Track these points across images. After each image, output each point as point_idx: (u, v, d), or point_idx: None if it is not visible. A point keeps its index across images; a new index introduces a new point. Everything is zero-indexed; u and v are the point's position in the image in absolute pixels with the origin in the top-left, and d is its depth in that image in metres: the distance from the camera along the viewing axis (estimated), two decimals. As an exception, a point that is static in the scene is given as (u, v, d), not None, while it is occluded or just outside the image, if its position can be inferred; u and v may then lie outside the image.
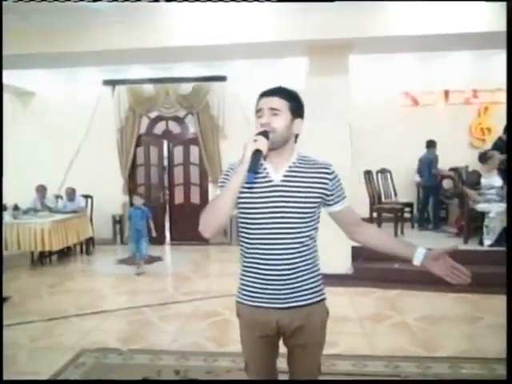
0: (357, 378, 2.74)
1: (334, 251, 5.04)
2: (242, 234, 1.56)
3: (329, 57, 4.98)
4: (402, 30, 4.73)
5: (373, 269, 5.04)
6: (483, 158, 5.58)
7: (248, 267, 1.55)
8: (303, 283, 1.53)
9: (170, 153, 7.91)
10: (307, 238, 1.52)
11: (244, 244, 1.56)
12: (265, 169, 1.51)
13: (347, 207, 1.61)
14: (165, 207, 7.97)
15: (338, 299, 4.49)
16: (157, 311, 4.15)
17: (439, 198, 6.67)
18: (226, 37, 4.88)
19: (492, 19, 4.60)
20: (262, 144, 1.41)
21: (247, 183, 1.42)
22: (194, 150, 7.77)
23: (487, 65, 6.86)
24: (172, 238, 7.84)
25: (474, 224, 5.53)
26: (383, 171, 6.94)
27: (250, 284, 1.54)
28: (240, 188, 1.42)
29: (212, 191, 7.70)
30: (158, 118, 7.78)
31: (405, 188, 7.28)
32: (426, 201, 6.77)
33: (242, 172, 1.40)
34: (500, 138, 6.26)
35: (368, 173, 6.50)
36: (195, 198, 7.88)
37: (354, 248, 5.16)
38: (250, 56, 5.85)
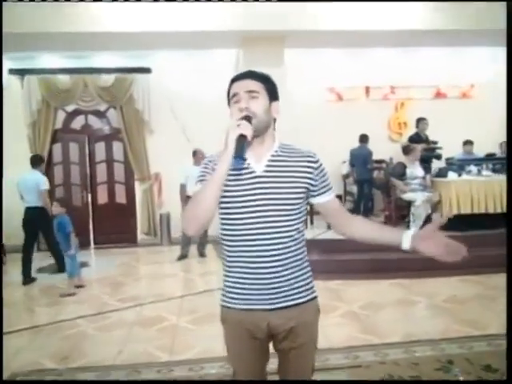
0: (320, 373, 2.71)
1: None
2: (225, 232, 1.44)
3: (264, 49, 4.94)
4: (331, 25, 4.85)
5: (312, 261, 5.09)
6: (406, 150, 5.92)
7: (233, 267, 1.43)
8: (294, 281, 1.43)
9: (91, 149, 7.34)
10: (295, 232, 1.42)
11: (227, 242, 1.44)
12: (245, 159, 1.39)
13: (333, 199, 1.53)
14: (87, 208, 7.38)
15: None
16: (93, 322, 3.78)
17: (371, 190, 6.99)
18: (150, 24, 4.60)
19: (421, 18, 4.89)
20: (246, 128, 1.30)
21: (234, 170, 1.35)
22: (118, 147, 7.29)
23: (403, 62, 7.29)
24: (97, 241, 7.30)
25: (400, 212, 5.87)
26: (314, 165, 7.09)
27: (236, 286, 1.43)
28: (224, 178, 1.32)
29: (139, 189, 7.30)
30: (76, 112, 7.19)
31: (332, 181, 7.50)
32: (361, 193, 7.04)
33: (226, 159, 1.29)
34: (416, 133, 6.70)
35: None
36: (121, 198, 7.42)
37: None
38: (177, 46, 5.60)
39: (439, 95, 7.81)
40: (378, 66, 7.37)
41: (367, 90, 7.65)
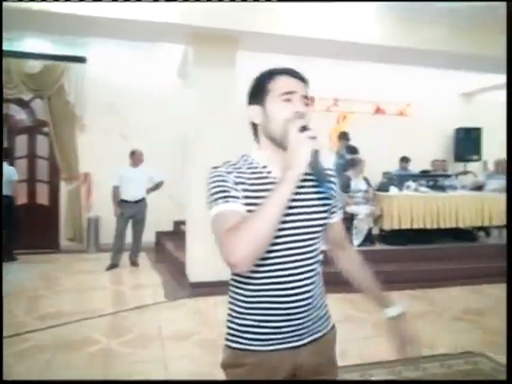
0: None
1: (214, 257, 4.72)
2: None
3: (215, 48, 4.64)
4: (285, 30, 4.68)
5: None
6: (351, 163, 5.92)
7: (255, 303, 1.19)
8: (320, 310, 1.26)
9: (11, 143, 6.52)
10: (319, 256, 1.26)
11: (249, 274, 1.17)
12: (274, 177, 1.17)
13: (340, 219, 1.36)
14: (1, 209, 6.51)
15: (226, 310, 4.18)
16: (6, 346, 3.20)
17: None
18: (87, 7, 4.08)
19: (368, 32, 4.88)
20: (319, 142, 1.06)
21: (322, 193, 1.17)
22: (43, 141, 6.56)
23: (347, 75, 7.36)
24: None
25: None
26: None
27: (259, 324, 1.19)
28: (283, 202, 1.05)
29: (65, 190, 6.61)
30: (-5, 99, 6.34)
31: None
32: None
33: (292, 181, 1.05)
34: (348, 146, 6.69)
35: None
36: (43, 199, 6.66)
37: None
38: (118, 35, 5.10)
39: (379, 111, 8.01)
40: (324, 77, 7.37)
41: (312, 100, 7.63)
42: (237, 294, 1.22)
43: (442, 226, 5.68)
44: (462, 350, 3.23)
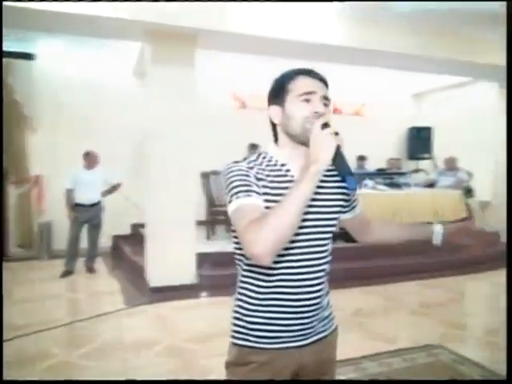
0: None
1: (175, 259, 4.64)
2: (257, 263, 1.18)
3: (173, 46, 4.53)
4: (245, 29, 4.64)
5: (220, 275, 4.81)
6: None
7: (267, 300, 1.20)
8: (325, 310, 1.30)
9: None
10: (329, 256, 1.28)
11: (262, 270, 1.18)
12: (292, 175, 1.20)
13: (361, 210, 1.42)
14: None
15: (189, 314, 4.10)
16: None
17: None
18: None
19: (329, 33, 4.93)
20: (340, 139, 1.07)
21: (349, 190, 1.22)
22: (-12, 143, 6.15)
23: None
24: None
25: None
26: (215, 173, 6.80)
27: (269, 322, 1.20)
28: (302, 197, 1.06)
29: (13, 193, 6.24)
30: None
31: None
32: None
33: (315, 176, 1.05)
34: None
35: (204, 175, 6.25)
36: (-11, 203, 6.25)
37: (199, 254, 4.84)
38: (68, 31, 4.86)
39: (336, 111, 8.14)
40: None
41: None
42: (248, 290, 1.22)
43: (399, 222, 5.85)
44: (422, 343, 3.33)
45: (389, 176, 6.99)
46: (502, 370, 2.84)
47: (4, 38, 5.50)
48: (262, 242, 1.00)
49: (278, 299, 1.19)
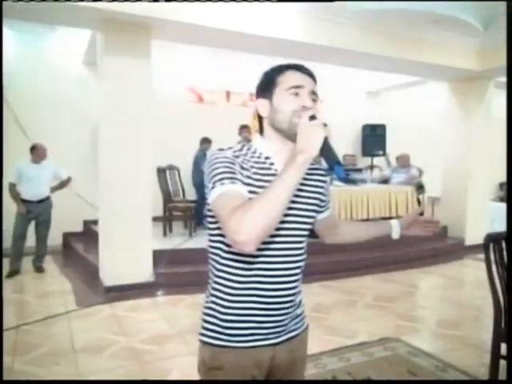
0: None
1: (130, 257, 4.49)
2: (234, 255, 1.15)
3: (128, 35, 4.33)
4: (204, 21, 4.52)
5: (177, 273, 4.71)
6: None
7: (240, 296, 1.17)
8: (297, 307, 1.29)
9: None
10: (305, 254, 1.27)
11: (237, 264, 1.16)
12: (276, 169, 1.18)
13: (332, 211, 1.44)
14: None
15: (147, 314, 3.97)
16: None
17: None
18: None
19: (289, 29, 4.91)
20: (328, 131, 1.05)
21: (340, 180, 1.04)
22: None
23: (263, 70, 7.41)
24: None
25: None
26: (171, 168, 6.64)
27: (241, 319, 1.18)
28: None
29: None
30: None
31: (189, 186, 7.16)
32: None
33: (303, 165, 1.01)
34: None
35: (160, 170, 6.09)
36: None
37: (154, 252, 4.70)
38: (11, 16, 4.53)
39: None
40: (240, 72, 7.35)
41: (228, 94, 7.57)
42: (224, 285, 1.18)
43: (354, 217, 5.97)
44: (379, 336, 3.40)
45: (345, 172, 7.11)
46: (454, 360, 2.96)
47: None
48: (247, 228, 0.95)
49: (254, 295, 1.16)
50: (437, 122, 7.70)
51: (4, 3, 3.81)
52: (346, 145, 8.73)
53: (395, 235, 1.43)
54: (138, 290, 4.45)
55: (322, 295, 4.55)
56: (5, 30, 5.40)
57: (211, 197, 1.07)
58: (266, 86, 1.19)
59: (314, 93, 1.17)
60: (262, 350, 1.19)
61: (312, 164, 1.26)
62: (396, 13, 4.86)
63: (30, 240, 5.26)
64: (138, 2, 4.09)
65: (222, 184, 1.06)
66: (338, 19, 5.02)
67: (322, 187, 1.30)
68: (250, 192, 1.09)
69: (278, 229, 1.13)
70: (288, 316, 1.23)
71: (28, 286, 4.85)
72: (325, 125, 1.04)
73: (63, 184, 5.43)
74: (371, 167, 8.61)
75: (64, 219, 5.99)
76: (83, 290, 4.61)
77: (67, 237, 6.51)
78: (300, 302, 1.31)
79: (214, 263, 1.21)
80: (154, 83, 4.74)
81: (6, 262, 5.18)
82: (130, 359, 3.00)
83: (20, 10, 4.06)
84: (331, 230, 1.45)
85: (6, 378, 2.69)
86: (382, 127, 8.86)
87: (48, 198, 5.28)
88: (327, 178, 1.34)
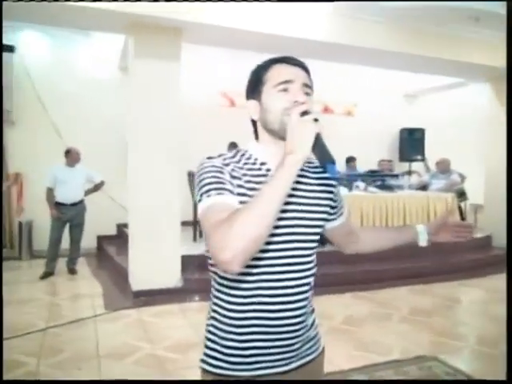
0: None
1: (159, 262, 4.46)
2: (232, 276, 1.04)
3: (158, 39, 4.34)
4: (233, 23, 4.47)
5: (205, 279, 4.62)
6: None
7: (241, 319, 1.05)
8: (310, 330, 1.15)
9: None
10: (315, 268, 1.13)
11: (235, 284, 1.05)
12: (268, 170, 1.07)
13: (348, 217, 1.28)
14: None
15: (173, 320, 3.92)
16: None
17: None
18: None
19: (320, 29, 4.78)
20: (320, 126, 0.93)
21: (332, 178, 1.10)
22: (-34, 138, 5.92)
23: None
24: None
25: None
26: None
27: (244, 346, 1.05)
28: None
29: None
30: None
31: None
32: None
33: (293, 166, 0.89)
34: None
35: (191, 174, 6.06)
36: (-34, 201, 6.01)
37: (183, 257, 4.66)
38: (49, 22, 4.66)
39: (327, 110, 8.00)
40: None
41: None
42: (222, 307, 1.07)
43: (390, 224, 5.72)
44: (414, 354, 3.18)
45: (380, 178, 6.86)
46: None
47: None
48: (230, 245, 0.83)
49: (256, 318, 1.04)
50: (479, 124, 7.31)
51: (35, 9, 3.89)
52: (382, 149, 8.44)
53: (422, 242, 1.28)
54: (165, 295, 4.41)
55: (354, 306, 4.36)
56: (40, 35, 5.55)
57: (199, 210, 0.97)
58: (254, 86, 1.09)
59: (306, 86, 1.05)
60: (269, 378, 1.07)
61: (317, 166, 1.14)
62: (431, 10, 4.63)
63: (65, 242, 5.35)
64: (169, 3, 4.08)
65: (208, 196, 0.96)
66: (368, 17, 4.84)
67: (330, 192, 1.16)
68: (242, 203, 0.97)
69: (280, 242, 1.03)
70: (298, 340, 1.09)
71: (60, 287, 4.92)
72: (316, 120, 0.92)
73: (97, 187, 5.51)
74: (409, 173, 8.27)
75: (98, 222, 6.07)
76: (112, 294, 4.62)
77: (101, 240, 6.60)
78: (313, 322, 1.18)
79: (212, 281, 1.12)
80: (185, 86, 4.73)
81: (41, 262, 5.32)
82: (152, 367, 2.95)
83: (51, 15, 4.15)
84: (347, 238, 1.30)
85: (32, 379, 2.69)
86: (421, 131, 8.51)
87: (82, 201, 5.37)
88: (335, 182, 1.21)
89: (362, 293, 4.75)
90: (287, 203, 1.02)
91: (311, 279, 1.11)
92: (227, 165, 1.04)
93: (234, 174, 1.03)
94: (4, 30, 5.35)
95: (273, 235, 1.01)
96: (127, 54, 4.87)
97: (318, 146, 0.92)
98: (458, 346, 3.49)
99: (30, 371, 2.83)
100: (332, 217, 1.21)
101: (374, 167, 7.82)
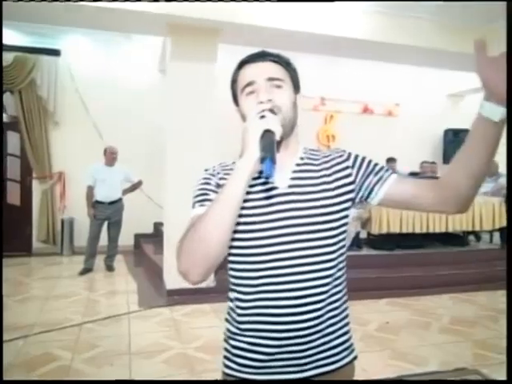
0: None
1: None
2: (235, 273, 1.05)
3: (195, 40, 4.36)
4: (270, 23, 4.43)
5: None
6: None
7: (245, 323, 1.03)
8: (331, 337, 1.04)
9: (-21, 139, 6.16)
10: (336, 269, 1.03)
11: (238, 288, 1.05)
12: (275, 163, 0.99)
13: (396, 178, 1.05)
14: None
15: (205, 320, 3.92)
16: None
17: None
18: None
19: (358, 27, 4.65)
20: (274, 122, 0.89)
21: (264, 177, 0.95)
22: (14, 138, 6.20)
23: (334, 73, 7.15)
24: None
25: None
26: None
27: (250, 348, 1.02)
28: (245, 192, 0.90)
29: (38, 189, 6.26)
30: (-39, 93, 5.97)
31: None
32: None
33: (247, 166, 0.87)
34: None
35: (226, 174, 6.08)
36: (14, 199, 6.30)
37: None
38: (92, 26, 4.78)
39: (367, 110, 7.80)
40: (310, 75, 7.13)
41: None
42: (231, 309, 1.08)
43: (432, 230, 5.48)
44: (453, 366, 3.01)
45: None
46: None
47: (30, 33, 5.53)
48: (185, 256, 0.87)
49: (259, 322, 1.00)
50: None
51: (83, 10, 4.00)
52: (425, 151, 8.11)
53: (495, 116, 0.91)
54: (198, 294, 4.41)
55: (391, 313, 4.19)
56: (83, 39, 5.73)
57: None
58: (232, 93, 1.09)
59: (273, 79, 1.00)
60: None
61: (326, 155, 1.09)
62: (482, 5, 4.39)
63: (103, 240, 5.49)
64: (206, 4, 4.09)
65: (193, 208, 0.99)
66: (411, 14, 4.66)
67: (345, 176, 1.04)
68: None
69: (279, 236, 0.97)
70: (309, 346, 1.01)
71: (97, 283, 5.04)
72: (263, 116, 0.88)
73: (135, 187, 5.62)
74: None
75: (135, 221, 6.19)
76: (147, 292, 4.69)
77: (138, 238, 6.73)
78: (338, 330, 1.06)
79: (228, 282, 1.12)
80: (222, 87, 4.73)
81: (81, 259, 5.48)
82: (182, 367, 2.94)
83: (102, 20, 4.26)
84: (424, 192, 1.02)
85: (63, 376, 2.75)
86: (466, 132, 8.06)
87: (120, 200, 5.48)
88: (350, 162, 1.06)
89: (399, 299, 4.57)
90: (284, 202, 0.99)
91: (325, 281, 1.00)
92: (215, 175, 1.05)
93: (222, 182, 1.02)
94: (50, 34, 5.58)
95: (270, 237, 0.98)
96: (165, 55, 4.93)
97: (265, 142, 0.86)
98: (502, 359, 3.27)
99: (61, 366, 2.88)
100: (370, 194, 1.05)
101: (416, 169, 7.54)
